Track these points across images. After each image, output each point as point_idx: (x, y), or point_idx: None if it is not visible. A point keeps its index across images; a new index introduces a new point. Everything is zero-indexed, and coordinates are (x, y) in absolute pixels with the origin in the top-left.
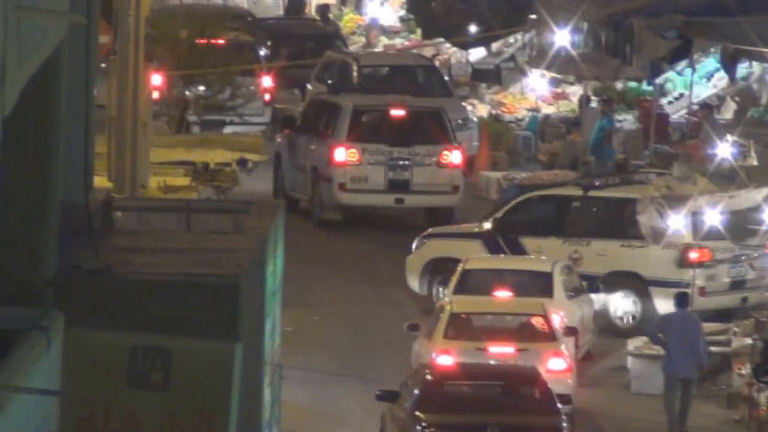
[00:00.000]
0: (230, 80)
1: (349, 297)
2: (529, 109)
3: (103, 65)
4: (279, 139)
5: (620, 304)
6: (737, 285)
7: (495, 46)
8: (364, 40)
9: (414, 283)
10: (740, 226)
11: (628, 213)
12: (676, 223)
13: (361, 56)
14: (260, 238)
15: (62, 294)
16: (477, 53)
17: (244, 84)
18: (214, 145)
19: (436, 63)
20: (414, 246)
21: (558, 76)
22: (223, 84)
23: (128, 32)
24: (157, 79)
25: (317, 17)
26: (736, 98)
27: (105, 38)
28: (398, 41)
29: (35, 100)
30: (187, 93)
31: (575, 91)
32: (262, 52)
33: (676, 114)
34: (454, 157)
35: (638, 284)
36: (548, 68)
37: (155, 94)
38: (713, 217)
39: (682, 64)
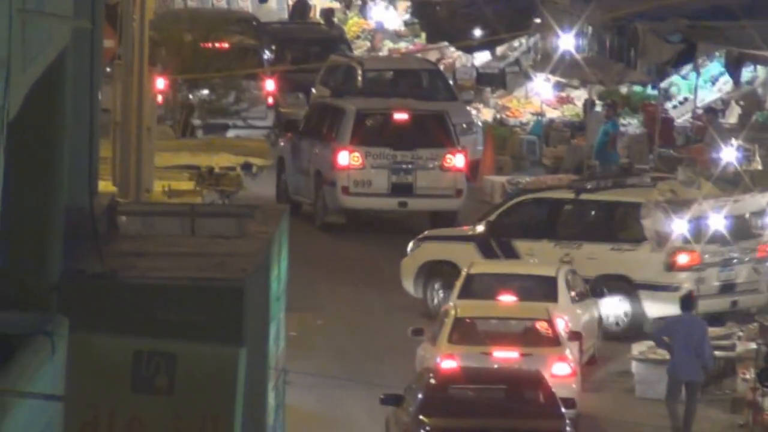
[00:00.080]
0: (235, 84)
1: (353, 301)
2: (533, 113)
3: (108, 69)
4: (282, 143)
5: (611, 308)
6: (727, 289)
7: (499, 50)
8: (368, 44)
9: (409, 286)
10: (735, 229)
11: (619, 216)
12: (681, 227)
13: (366, 60)
14: (265, 243)
15: (66, 298)
16: (482, 57)
17: (248, 88)
18: (219, 150)
19: (441, 67)
20: (409, 248)
21: (562, 80)
22: (227, 88)
23: (133, 37)
24: (160, 82)
25: (322, 21)
26: (741, 102)
27: (109, 43)
28: (403, 45)
29: (40, 104)
30: (191, 97)
31: (580, 95)
32: (266, 56)
33: (681, 118)
34: (458, 160)
35: (627, 288)
36: (553, 72)
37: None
38: (706, 221)
39: (686, 68)
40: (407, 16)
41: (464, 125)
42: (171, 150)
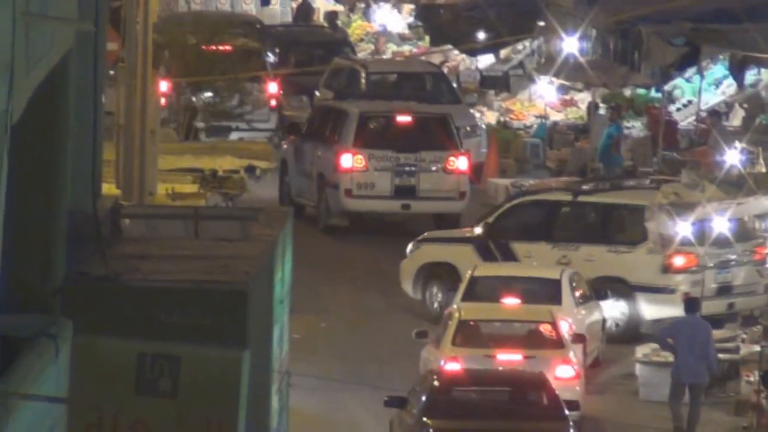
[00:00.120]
0: (238, 87)
1: (357, 304)
2: (537, 116)
3: (111, 72)
4: (285, 146)
5: (608, 310)
6: (724, 291)
7: (503, 53)
8: (372, 47)
9: (408, 288)
10: (733, 232)
11: (616, 218)
12: (685, 230)
13: (370, 63)
14: (268, 246)
15: (70, 301)
16: (485, 60)
17: (251, 91)
18: (223, 153)
19: (445, 70)
20: (408, 250)
21: (566, 83)
22: (231, 91)
23: (136, 39)
24: (162, 85)
25: (325, 24)
26: (745, 105)
27: (113, 45)
28: (406, 48)
29: (43, 107)
30: (194, 99)
31: (583, 98)
32: (270, 59)
33: (685, 121)
34: (461, 163)
35: (624, 290)
36: (556, 75)
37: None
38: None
39: (690, 71)
40: (411, 19)
41: (468, 128)
42: (174, 153)
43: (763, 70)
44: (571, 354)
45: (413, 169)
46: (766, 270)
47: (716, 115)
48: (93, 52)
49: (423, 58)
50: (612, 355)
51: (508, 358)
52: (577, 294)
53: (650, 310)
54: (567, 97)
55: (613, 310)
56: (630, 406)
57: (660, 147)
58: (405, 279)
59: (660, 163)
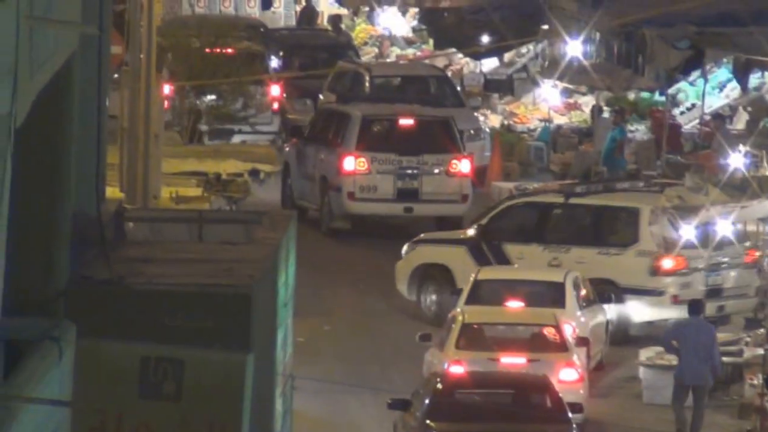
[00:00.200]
0: (242, 90)
1: (361, 307)
2: (541, 120)
3: (115, 76)
4: (287, 149)
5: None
6: (713, 293)
7: (507, 56)
8: (376, 50)
9: (403, 289)
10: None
11: (607, 220)
12: (688, 233)
13: (374, 67)
14: (272, 249)
15: (74, 304)
16: (489, 63)
17: (255, 94)
18: (227, 156)
19: (449, 73)
20: (403, 251)
21: (570, 86)
22: (235, 94)
23: (140, 43)
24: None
25: (329, 28)
26: (749, 108)
27: (117, 49)
28: (410, 51)
29: (47, 110)
30: (198, 103)
31: (587, 102)
32: (274, 62)
33: (689, 124)
34: (463, 165)
35: (614, 292)
36: (560, 78)
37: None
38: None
39: (694, 75)
40: (415, 23)
41: (472, 131)
42: (178, 156)
43: (766, 73)
44: (575, 357)
45: (416, 172)
46: (760, 273)
47: (720, 118)
48: (97, 55)
49: (427, 61)
50: (615, 357)
51: (512, 361)
52: (581, 297)
53: (639, 312)
54: (571, 100)
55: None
56: (633, 409)
57: (664, 150)
58: (400, 280)
59: (664, 167)
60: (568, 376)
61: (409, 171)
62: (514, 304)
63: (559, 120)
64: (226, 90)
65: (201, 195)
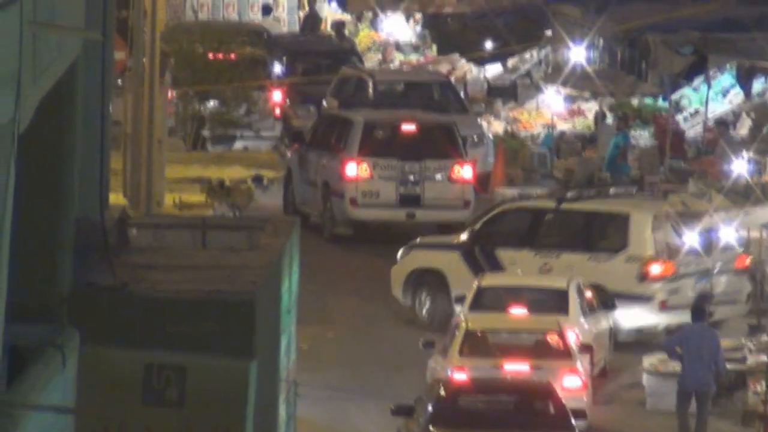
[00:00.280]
0: (245, 96)
1: (364, 313)
2: (544, 126)
3: (119, 82)
4: (289, 155)
5: None
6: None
7: (511, 62)
8: (379, 56)
9: (398, 293)
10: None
11: (597, 226)
12: (692, 239)
13: (377, 73)
14: (275, 255)
15: (77, 311)
16: (493, 69)
17: (258, 100)
18: (230, 162)
19: (452, 79)
20: (399, 255)
21: (573, 92)
22: (238, 100)
23: (143, 49)
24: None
25: (333, 34)
26: (752, 114)
27: (120, 55)
28: (414, 57)
29: (51, 116)
30: (201, 109)
31: (591, 108)
32: (277, 68)
33: (692, 130)
34: (465, 171)
35: (604, 297)
36: (564, 84)
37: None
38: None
39: (697, 80)
40: (419, 29)
41: (475, 137)
42: (182, 163)
43: None
44: (579, 364)
45: (418, 177)
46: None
47: (723, 124)
48: (100, 61)
49: (430, 67)
50: (619, 364)
51: (516, 368)
52: (585, 303)
53: (627, 318)
54: (574, 106)
55: None
56: (637, 416)
57: (667, 156)
58: (395, 285)
59: (667, 173)
60: (571, 383)
61: (412, 177)
62: (518, 311)
63: (563, 126)
64: (229, 96)
65: (204, 201)
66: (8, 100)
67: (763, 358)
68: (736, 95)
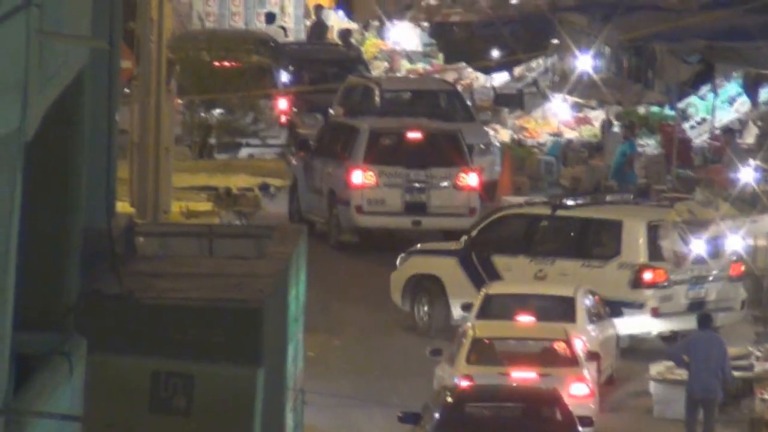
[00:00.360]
0: (252, 104)
1: (370, 321)
2: (551, 134)
3: (126, 90)
4: (295, 162)
5: None
6: (695, 306)
7: (517, 70)
8: (386, 65)
9: (397, 299)
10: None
11: (591, 233)
12: (698, 247)
13: (384, 81)
14: (283, 263)
15: (84, 319)
16: (499, 78)
17: (265, 108)
18: (237, 170)
19: (459, 88)
20: (398, 262)
21: (580, 100)
22: (245, 108)
23: (150, 57)
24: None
25: (339, 42)
26: (759, 123)
27: (127, 63)
28: (420, 66)
29: (57, 125)
30: (207, 117)
31: (597, 116)
32: (284, 76)
33: (699, 138)
34: (471, 179)
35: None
36: (570, 93)
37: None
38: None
39: (704, 89)
40: (425, 37)
41: (482, 146)
42: (189, 171)
43: None
44: (586, 372)
45: (423, 185)
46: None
47: (730, 132)
48: (107, 69)
49: (437, 75)
50: (626, 372)
51: (523, 376)
52: (591, 311)
53: (621, 324)
54: (581, 114)
55: None
56: (644, 423)
57: (674, 165)
58: (394, 290)
59: (674, 181)
60: (578, 391)
61: (417, 184)
62: (525, 319)
63: (569, 134)
64: (236, 104)
65: (211, 209)
66: (15, 109)
67: None
68: (743, 104)
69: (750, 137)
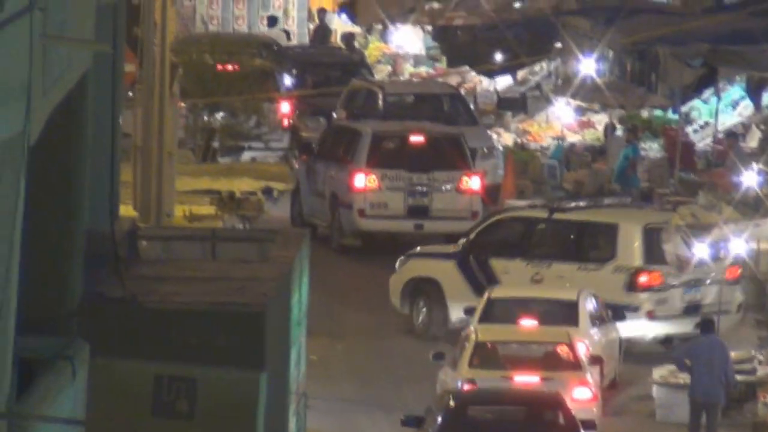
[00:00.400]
0: (256, 108)
1: (373, 325)
2: (554, 138)
3: (129, 94)
4: (297, 166)
5: None
6: (691, 310)
7: (520, 74)
8: (389, 68)
9: (396, 302)
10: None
11: (588, 236)
12: (702, 251)
13: (387, 84)
14: (285, 267)
15: (87, 323)
16: (503, 82)
17: (268, 112)
18: (240, 174)
19: (462, 91)
20: (397, 265)
21: (583, 104)
22: (248, 112)
23: (154, 61)
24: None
25: (343, 46)
26: (762, 126)
27: (130, 67)
28: (423, 69)
29: (61, 129)
30: (211, 120)
31: (600, 120)
32: (287, 80)
33: (702, 142)
34: (473, 182)
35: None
36: (573, 96)
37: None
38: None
39: (707, 93)
40: (429, 41)
41: (485, 149)
42: (192, 175)
43: None
44: (588, 376)
45: (426, 189)
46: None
47: (733, 136)
48: (111, 73)
49: (440, 79)
50: (629, 376)
51: (525, 380)
52: (594, 315)
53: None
54: (584, 118)
55: None
56: (647, 427)
57: (677, 168)
58: (393, 293)
59: (677, 185)
60: (581, 395)
61: (420, 188)
62: (528, 323)
63: (573, 138)
64: (239, 107)
65: (214, 213)
66: (19, 112)
67: None
68: (746, 107)
69: (753, 141)
